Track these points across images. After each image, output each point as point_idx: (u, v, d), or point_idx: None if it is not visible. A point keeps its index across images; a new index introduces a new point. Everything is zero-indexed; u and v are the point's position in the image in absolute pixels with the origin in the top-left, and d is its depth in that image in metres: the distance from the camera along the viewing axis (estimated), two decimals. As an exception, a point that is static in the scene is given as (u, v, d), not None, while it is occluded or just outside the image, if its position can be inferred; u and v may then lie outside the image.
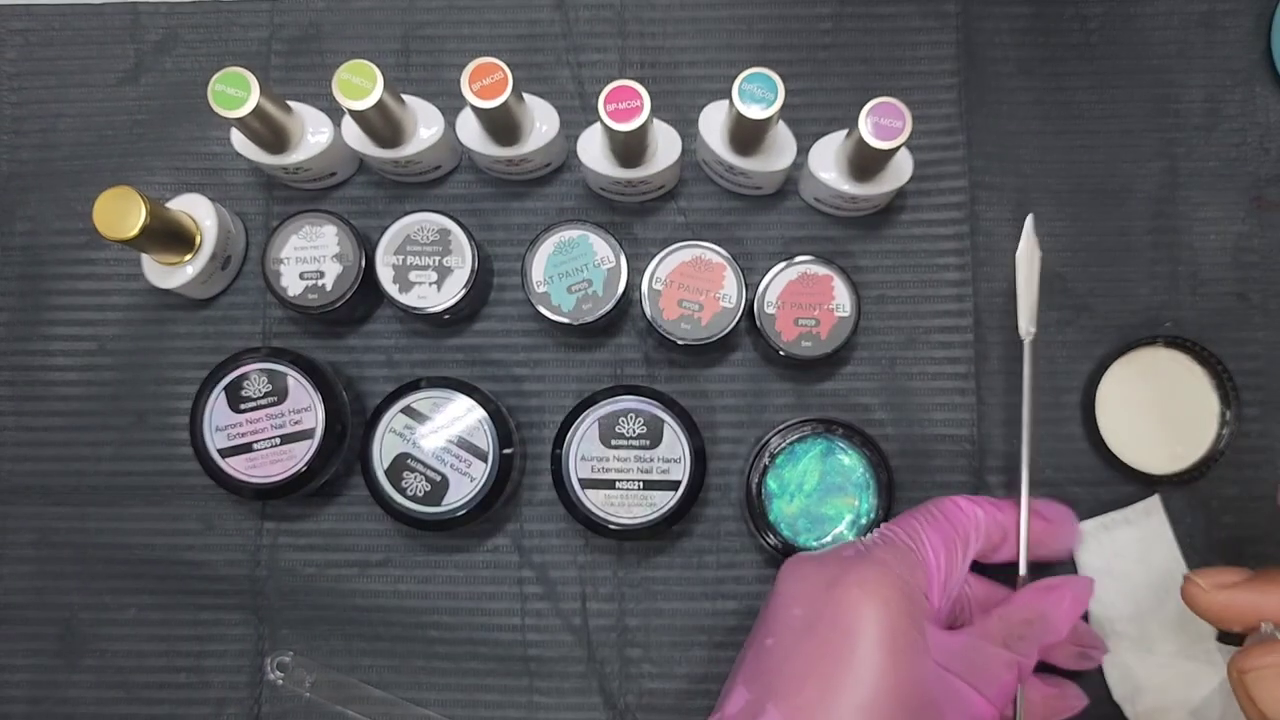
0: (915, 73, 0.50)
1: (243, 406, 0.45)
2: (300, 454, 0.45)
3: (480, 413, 0.45)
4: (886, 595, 0.37)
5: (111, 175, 0.51)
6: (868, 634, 0.36)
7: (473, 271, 0.46)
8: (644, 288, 0.46)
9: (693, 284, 0.46)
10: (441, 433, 0.45)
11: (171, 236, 0.46)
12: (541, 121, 0.47)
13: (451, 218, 0.46)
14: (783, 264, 0.46)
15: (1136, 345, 0.48)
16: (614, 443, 0.45)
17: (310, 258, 0.46)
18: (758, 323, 0.46)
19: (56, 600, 0.49)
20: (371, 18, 0.51)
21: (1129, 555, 0.46)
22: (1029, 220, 0.46)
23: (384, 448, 0.45)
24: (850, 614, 0.37)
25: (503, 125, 0.44)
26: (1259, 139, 0.50)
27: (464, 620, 0.48)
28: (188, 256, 0.47)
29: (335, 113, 0.46)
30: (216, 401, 0.45)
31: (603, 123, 0.42)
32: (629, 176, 0.46)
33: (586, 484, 0.45)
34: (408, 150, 0.47)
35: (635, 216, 0.50)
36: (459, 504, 0.45)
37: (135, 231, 0.43)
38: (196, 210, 0.47)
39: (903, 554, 0.39)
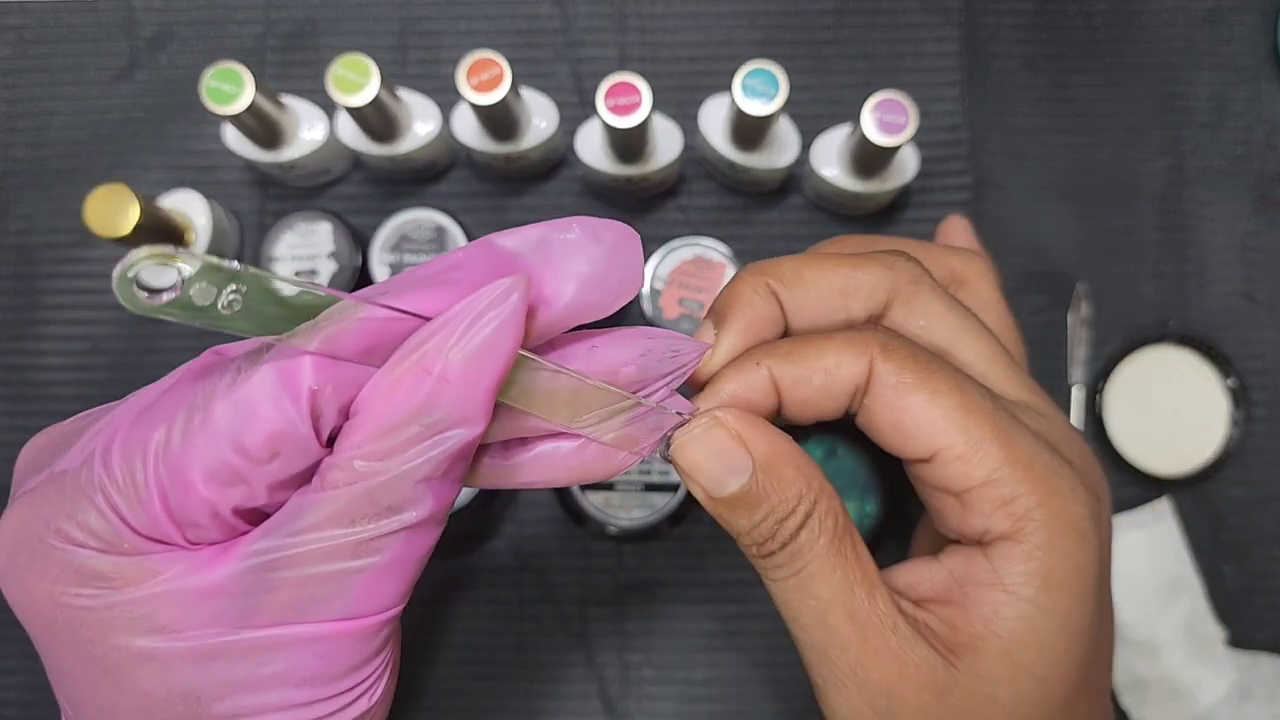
0: (918, 69, 0.50)
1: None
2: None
3: (478, 413, 0.45)
4: None
5: (105, 173, 0.50)
6: None
7: (470, 270, 0.45)
8: (644, 286, 0.45)
9: (693, 283, 0.45)
10: (438, 433, 0.45)
11: (164, 234, 0.45)
12: (540, 117, 0.46)
13: (448, 215, 0.46)
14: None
15: (1144, 344, 0.47)
16: (613, 443, 0.44)
17: (305, 255, 0.46)
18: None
19: (49, 603, 0.49)
20: (368, 12, 0.51)
21: (1137, 558, 0.46)
22: (1079, 286, 0.46)
23: (380, 448, 0.44)
24: None
25: (500, 121, 0.44)
26: (1265, 136, 0.49)
27: (461, 625, 0.48)
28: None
29: (331, 108, 0.46)
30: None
31: (602, 119, 0.41)
32: (629, 173, 0.46)
33: (585, 486, 0.44)
34: (404, 147, 0.46)
35: (635, 214, 0.50)
36: (456, 507, 0.44)
37: (128, 230, 0.42)
38: (190, 208, 0.47)
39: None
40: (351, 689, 0.22)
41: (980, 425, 0.24)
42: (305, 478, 0.22)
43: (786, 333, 0.27)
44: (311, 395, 0.21)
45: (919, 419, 0.24)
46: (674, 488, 0.44)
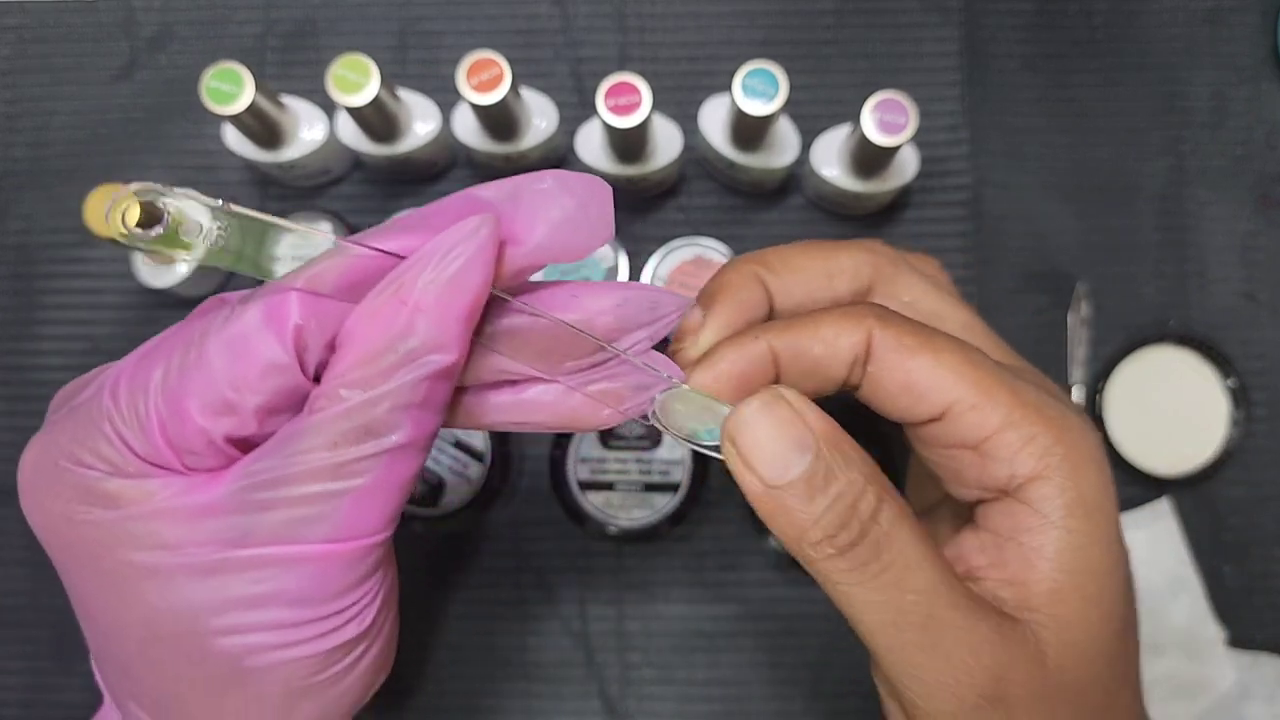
0: (919, 69, 0.50)
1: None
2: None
3: (478, 413, 0.45)
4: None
5: (105, 173, 0.50)
6: None
7: (470, 270, 0.45)
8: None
9: (693, 283, 0.45)
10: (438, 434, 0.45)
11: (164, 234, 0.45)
12: (540, 117, 0.46)
13: (449, 215, 0.46)
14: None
15: (1144, 344, 0.47)
16: (613, 444, 0.44)
17: (305, 256, 0.45)
18: (759, 322, 0.45)
19: (49, 603, 0.49)
20: (367, 12, 0.51)
21: (1137, 558, 0.46)
22: (1079, 286, 0.46)
23: (380, 448, 0.44)
24: None
25: (500, 121, 0.44)
26: (1265, 136, 0.49)
27: (461, 624, 0.48)
28: (180, 255, 0.46)
29: (331, 108, 0.45)
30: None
31: (602, 119, 0.41)
32: (628, 173, 0.46)
33: (585, 486, 0.44)
34: (404, 147, 0.46)
35: (635, 214, 0.50)
36: (456, 506, 0.44)
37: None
38: (190, 207, 0.47)
39: None
40: (340, 612, 0.23)
41: (987, 376, 0.25)
42: (294, 409, 0.23)
43: (772, 316, 0.28)
44: (297, 330, 0.22)
45: (927, 378, 0.25)
46: (674, 488, 0.44)
